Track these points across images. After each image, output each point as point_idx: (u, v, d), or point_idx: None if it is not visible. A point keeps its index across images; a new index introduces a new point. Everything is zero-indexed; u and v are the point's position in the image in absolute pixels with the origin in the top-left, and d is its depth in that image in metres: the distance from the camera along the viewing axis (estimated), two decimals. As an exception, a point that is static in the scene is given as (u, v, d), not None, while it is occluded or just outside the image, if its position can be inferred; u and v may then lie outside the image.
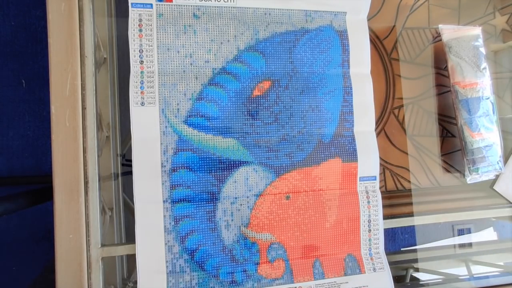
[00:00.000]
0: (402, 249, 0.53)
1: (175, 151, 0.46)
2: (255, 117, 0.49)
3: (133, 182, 0.45)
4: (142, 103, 0.45)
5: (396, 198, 0.56)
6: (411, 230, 0.56)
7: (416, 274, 0.62)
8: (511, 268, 0.59)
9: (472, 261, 0.59)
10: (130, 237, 0.48)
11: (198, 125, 0.47)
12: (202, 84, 0.47)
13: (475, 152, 0.54)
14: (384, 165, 0.56)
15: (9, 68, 0.99)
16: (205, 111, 0.47)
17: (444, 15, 0.60)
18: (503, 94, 0.62)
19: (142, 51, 0.46)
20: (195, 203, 0.46)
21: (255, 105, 0.49)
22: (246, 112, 0.48)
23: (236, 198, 0.48)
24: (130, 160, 0.45)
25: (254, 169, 0.48)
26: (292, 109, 0.50)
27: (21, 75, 0.99)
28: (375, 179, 0.52)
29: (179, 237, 0.45)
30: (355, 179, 0.51)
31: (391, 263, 0.51)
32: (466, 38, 0.56)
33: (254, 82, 0.49)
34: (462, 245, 0.59)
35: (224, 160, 0.47)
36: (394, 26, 0.58)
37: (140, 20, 0.46)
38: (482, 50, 0.56)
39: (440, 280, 0.57)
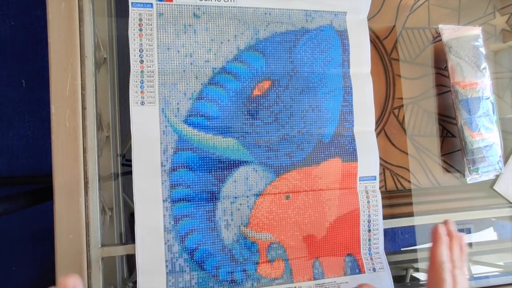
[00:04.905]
0: (402, 249, 0.53)
1: (175, 150, 0.46)
2: (255, 116, 0.49)
3: (133, 181, 0.45)
4: (142, 102, 0.45)
5: (396, 198, 0.56)
6: (411, 230, 0.56)
7: (416, 274, 0.62)
8: (511, 268, 0.59)
9: (472, 261, 0.59)
10: (130, 237, 0.48)
11: (198, 125, 0.47)
12: (202, 84, 0.47)
13: (475, 152, 0.54)
14: (384, 165, 0.56)
15: (9, 68, 0.99)
16: (205, 110, 0.47)
17: (444, 15, 0.60)
18: (503, 94, 0.62)
19: (142, 50, 0.46)
20: (195, 203, 0.46)
21: (255, 104, 0.49)
22: (246, 112, 0.48)
23: (236, 197, 0.48)
24: (130, 160, 0.45)
25: (254, 168, 0.48)
26: (292, 109, 0.50)
27: (21, 75, 0.99)
28: (375, 179, 0.52)
29: (178, 237, 0.45)
30: (355, 179, 0.51)
31: (391, 263, 0.51)
32: (466, 38, 0.56)
33: (254, 82, 0.49)
34: (462, 245, 0.59)
35: (224, 160, 0.47)
36: (394, 26, 0.58)
37: (140, 19, 0.46)
38: (482, 50, 0.56)
39: (440, 280, 0.57)
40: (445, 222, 0.44)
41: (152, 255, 0.45)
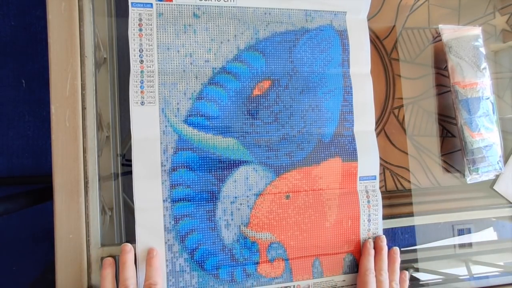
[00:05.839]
0: (402, 249, 0.53)
1: (175, 150, 0.46)
2: (255, 116, 0.49)
3: (133, 181, 0.45)
4: (142, 102, 0.45)
5: (396, 198, 0.56)
6: (411, 230, 0.56)
7: (416, 274, 0.62)
8: (511, 268, 0.59)
9: (472, 261, 0.59)
10: (130, 237, 0.48)
11: (198, 125, 0.47)
12: (202, 84, 0.47)
13: (475, 152, 0.54)
14: (384, 165, 0.56)
15: (9, 68, 0.99)
16: (205, 110, 0.47)
17: (444, 15, 0.60)
18: (503, 94, 0.62)
19: (142, 50, 0.46)
20: (195, 203, 0.46)
21: (255, 104, 0.49)
22: (246, 112, 0.48)
23: (236, 197, 0.48)
24: (130, 160, 0.45)
25: (254, 168, 0.48)
26: (292, 109, 0.50)
27: (21, 75, 0.99)
28: (375, 179, 0.52)
29: (179, 236, 0.45)
30: (355, 178, 0.51)
31: (391, 263, 0.51)
32: (466, 38, 0.56)
33: (254, 82, 0.49)
34: (462, 245, 0.59)
35: (224, 160, 0.47)
36: (394, 26, 0.58)
37: (140, 19, 0.46)
38: (482, 50, 0.56)
39: (440, 280, 0.57)
40: (376, 238, 0.51)
41: (152, 255, 0.45)
